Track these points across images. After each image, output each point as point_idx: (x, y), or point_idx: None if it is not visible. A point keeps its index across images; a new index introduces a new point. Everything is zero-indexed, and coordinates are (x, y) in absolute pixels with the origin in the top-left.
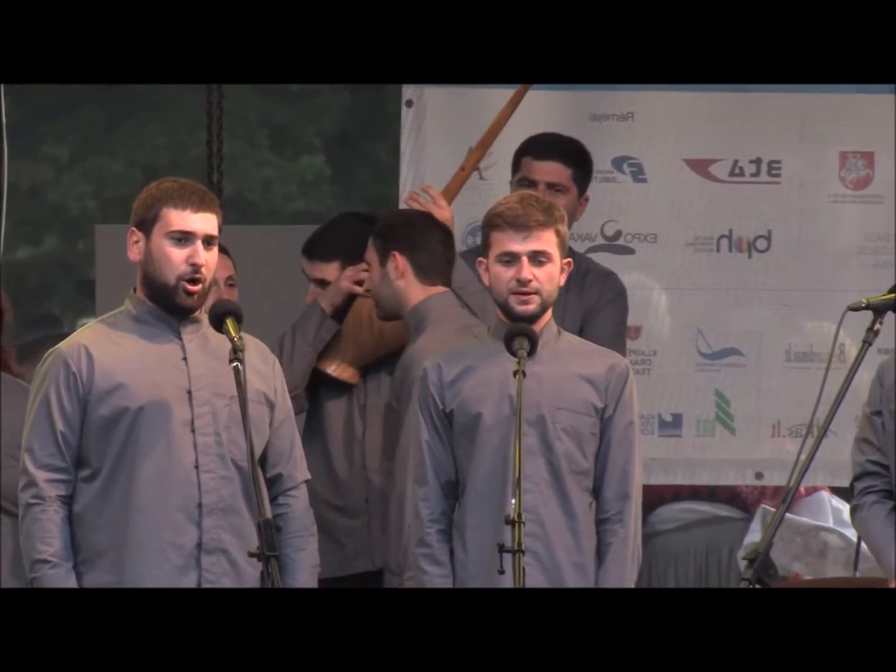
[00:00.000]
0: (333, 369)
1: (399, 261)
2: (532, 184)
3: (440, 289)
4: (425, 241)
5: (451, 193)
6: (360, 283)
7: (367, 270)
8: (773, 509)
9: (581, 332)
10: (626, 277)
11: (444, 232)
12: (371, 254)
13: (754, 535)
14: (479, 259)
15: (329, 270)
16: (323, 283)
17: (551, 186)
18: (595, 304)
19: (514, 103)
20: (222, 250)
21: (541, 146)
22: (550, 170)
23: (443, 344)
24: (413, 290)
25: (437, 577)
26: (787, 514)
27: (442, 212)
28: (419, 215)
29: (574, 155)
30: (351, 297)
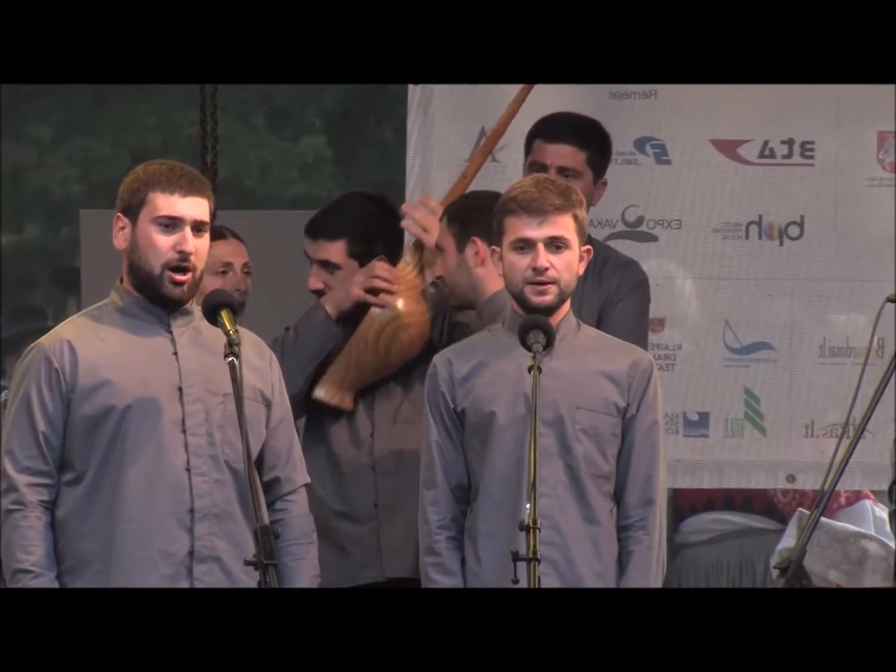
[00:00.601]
0: (325, 393)
1: (480, 246)
2: (543, 168)
3: None
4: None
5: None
6: (371, 290)
7: (378, 277)
8: (810, 513)
9: (598, 325)
10: (649, 266)
11: None
12: (446, 239)
13: (789, 541)
14: (493, 247)
15: (334, 250)
16: (327, 265)
17: (563, 171)
18: (614, 294)
19: (518, 103)
20: (235, 236)
21: (552, 127)
22: (562, 153)
23: None
24: (493, 277)
25: (446, 588)
26: (825, 520)
27: (430, 237)
28: (494, 197)
29: (589, 136)
30: (358, 306)
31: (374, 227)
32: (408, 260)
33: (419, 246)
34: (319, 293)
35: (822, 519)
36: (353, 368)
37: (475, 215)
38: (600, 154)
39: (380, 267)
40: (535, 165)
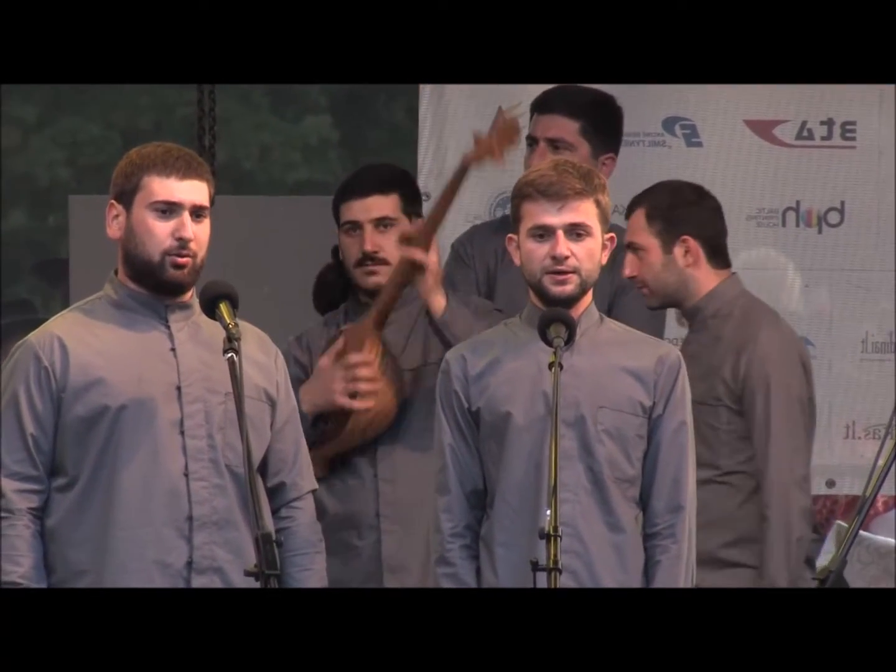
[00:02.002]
0: None
1: (691, 245)
2: (534, 141)
3: (727, 272)
4: (712, 220)
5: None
6: (354, 395)
7: (360, 379)
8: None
9: (609, 313)
10: None
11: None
12: (646, 238)
13: (827, 558)
14: (510, 235)
15: (388, 205)
16: (384, 222)
17: (552, 143)
18: (625, 280)
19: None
20: None
21: (543, 98)
22: (551, 124)
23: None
24: (706, 276)
25: None
26: (866, 534)
27: (433, 264)
28: (691, 189)
29: (581, 105)
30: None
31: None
32: (372, 341)
33: (379, 324)
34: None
35: (863, 533)
36: (336, 445)
37: (681, 212)
38: (597, 124)
39: (361, 368)
40: (528, 140)
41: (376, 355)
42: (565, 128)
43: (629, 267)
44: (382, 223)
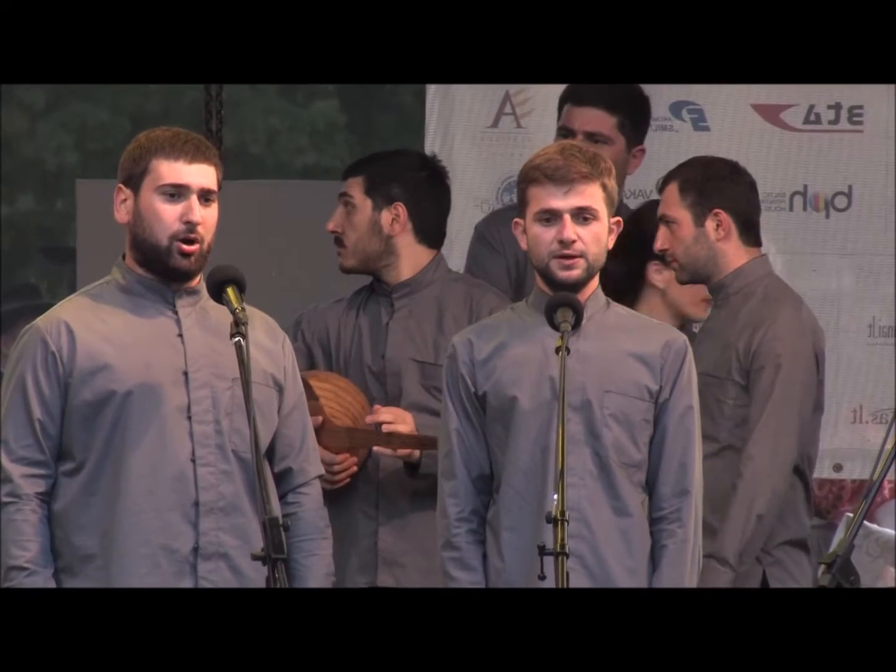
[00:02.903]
0: None
1: (723, 218)
2: (570, 133)
3: (757, 251)
4: (743, 196)
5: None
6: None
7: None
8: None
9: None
10: None
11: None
12: (678, 210)
13: (835, 543)
14: (516, 220)
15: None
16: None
17: (591, 136)
18: None
19: None
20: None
21: (581, 90)
22: (590, 117)
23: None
24: (736, 251)
25: (467, 584)
26: (875, 527)
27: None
28: (725, 164)
29: (620, 100)
30: None
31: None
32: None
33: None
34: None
35: (871, 526)
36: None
37: (714, 186)
38: (634, 119)
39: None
40: (562, 131)
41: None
42: (604, 122)
43: (660, 240)
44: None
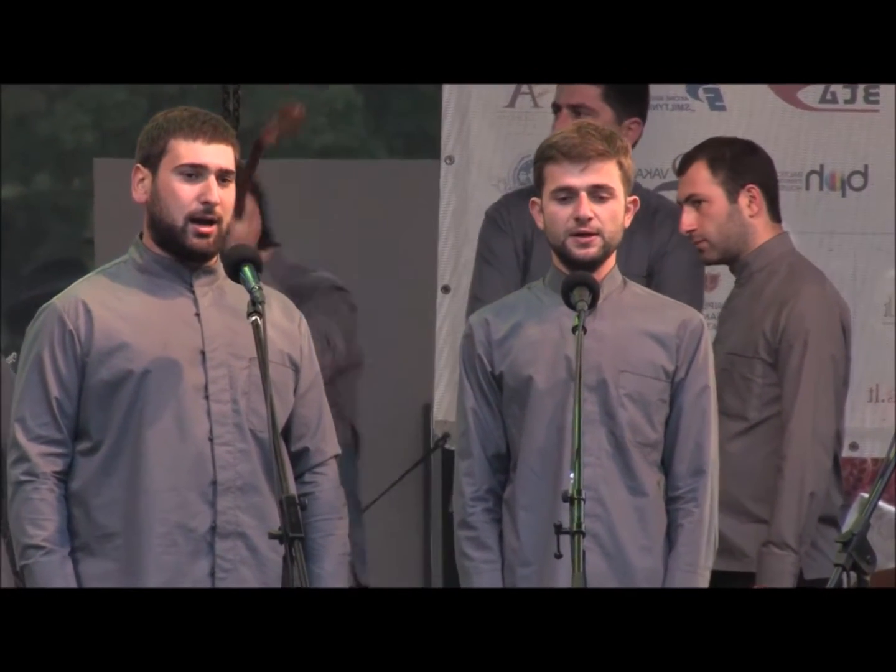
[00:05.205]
0: None
1: (755, 193)
2: (557, 108)
3: (780, 228)
4: (770, 171)
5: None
6: None
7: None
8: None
9: (649, 277)
10: None
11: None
12: (709, 188)
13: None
14: (532, 199)
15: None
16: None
17: (575, 109)
18: (665, 245)
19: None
20: None
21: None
22: (572, 91)
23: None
24: (765, 227)
25: (483, 564)
26: (888, 507)
27: None
28: (744, 142)
29: None
30: None
31: None
32: None
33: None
34: None
35: (886, 506)
36: None
37: (744, 161)
38: (620, 87)
39: None
40: (553, 108)
41: None
42: (587, 93)
43: (688, 221)
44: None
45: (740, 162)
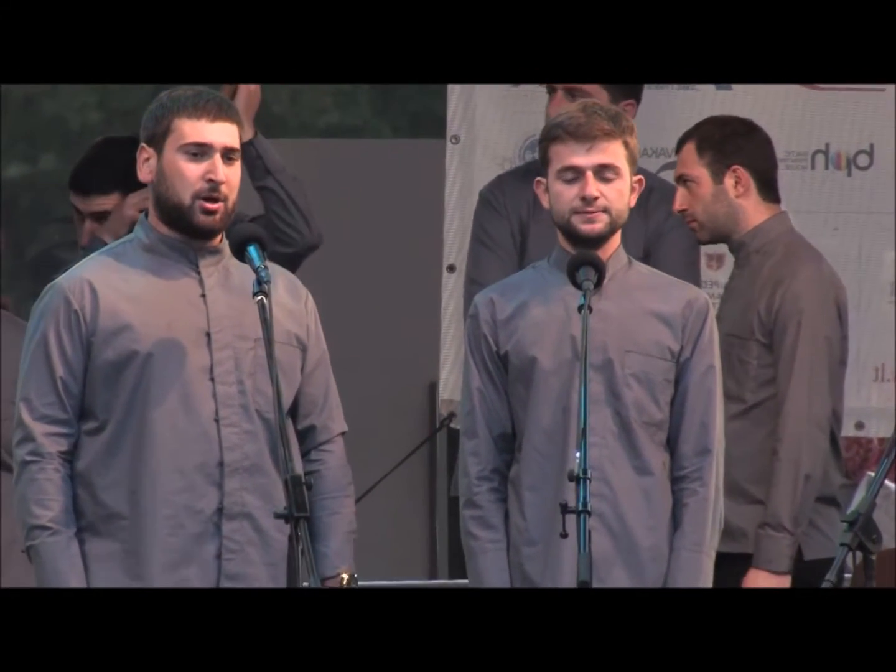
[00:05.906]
0: None
1: (741, 175)
2: (551, 89)
3: (777, 208)
4: (763, 152)
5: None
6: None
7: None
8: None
9: (645, 258)
10: None
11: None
12: (696, 169)
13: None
14: (538, 179)
15: (108, 202)
16: (103, 216)
17: (569, 91)
18: (661, 226)
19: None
20: None
21: None
22: None
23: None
24: (756, 208)
25: (488, 543)
26: (894, 486)
27: None
28: (741, 121)
29: None
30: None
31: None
32: None
33: None
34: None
35: (892, 485)
36: None
37: (731, 142)
38: None
39: None
40: (548, 89)
41: None
42: None
43: (679, 200)
44: (101, 219)
45: (727, 143)
